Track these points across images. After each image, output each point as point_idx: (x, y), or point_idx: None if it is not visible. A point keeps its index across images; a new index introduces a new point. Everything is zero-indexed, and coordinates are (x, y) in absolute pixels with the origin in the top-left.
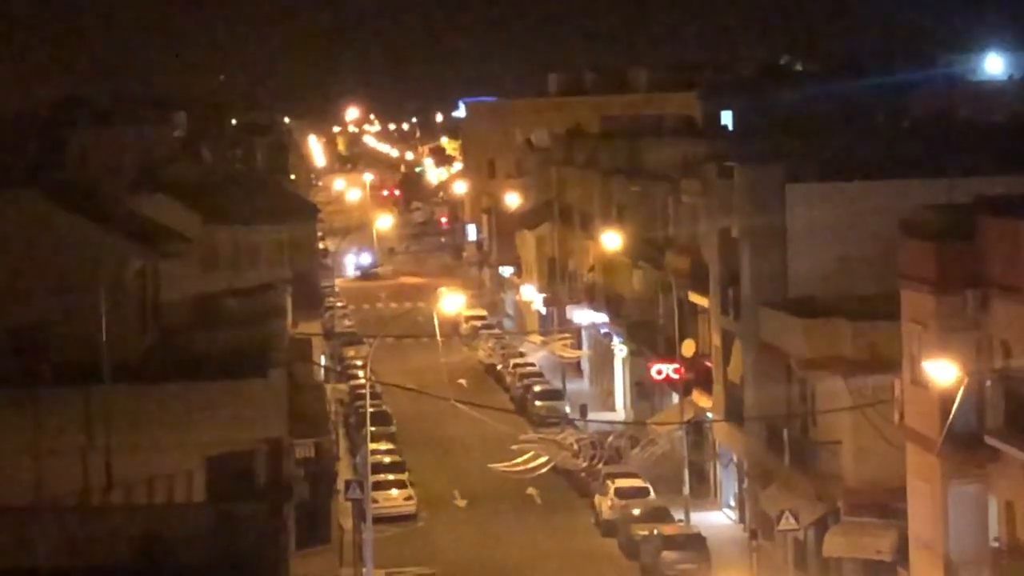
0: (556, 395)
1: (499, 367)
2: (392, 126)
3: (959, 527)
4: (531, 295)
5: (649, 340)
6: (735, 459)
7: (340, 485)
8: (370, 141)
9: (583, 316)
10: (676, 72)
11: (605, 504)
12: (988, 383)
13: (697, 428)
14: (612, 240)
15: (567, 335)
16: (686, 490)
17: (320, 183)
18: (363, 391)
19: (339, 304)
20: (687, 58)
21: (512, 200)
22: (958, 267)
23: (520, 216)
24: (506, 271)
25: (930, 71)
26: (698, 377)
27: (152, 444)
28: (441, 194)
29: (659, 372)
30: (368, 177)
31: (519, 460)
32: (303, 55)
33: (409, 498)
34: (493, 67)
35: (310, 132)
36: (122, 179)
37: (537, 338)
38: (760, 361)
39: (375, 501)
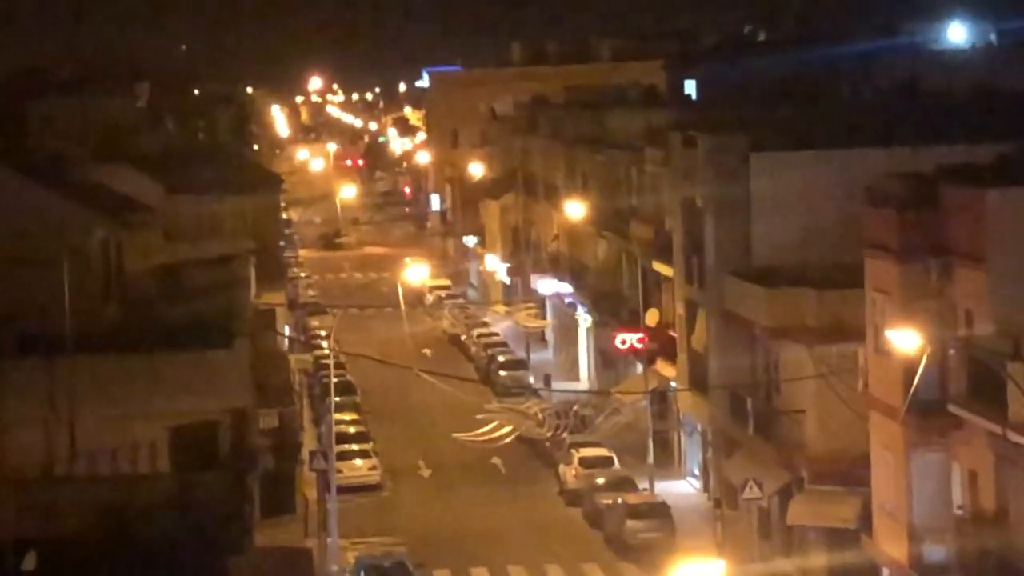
0: (520, 365)
1: (463, 337)
2: (355, 96)
3: (922, 495)
4: (495, 265)
5: (613, 310)
6: (699, 428)
7: (304, 455)
8: (333, 111)
9: (547, 286)
10: (640, 42)
11: (569, 473)
12: (951, 351)
13: (661, 397)
14: (576, 210)
15: (531, 305)
16: (650, 459)
17: (283, 153)
18: (327, 361)
19: (303, 274)
20: (651, 28)
21: (476, 170)
22: (921, 236)
23: (484, 186)
24: (470, 241)
25: (893, 40)
26: (662, 346)
27: (116, 415)
28: (405, 164)
29: (623, 342)
30: (331, 147)
31: (484, 430)
32: (266, 25)
33: (373, 468)
34: (456, 37)
35: (273, 102)
36: (85, 150)
37: (501, 308)
38: (724, 330)
39: (339, 471)
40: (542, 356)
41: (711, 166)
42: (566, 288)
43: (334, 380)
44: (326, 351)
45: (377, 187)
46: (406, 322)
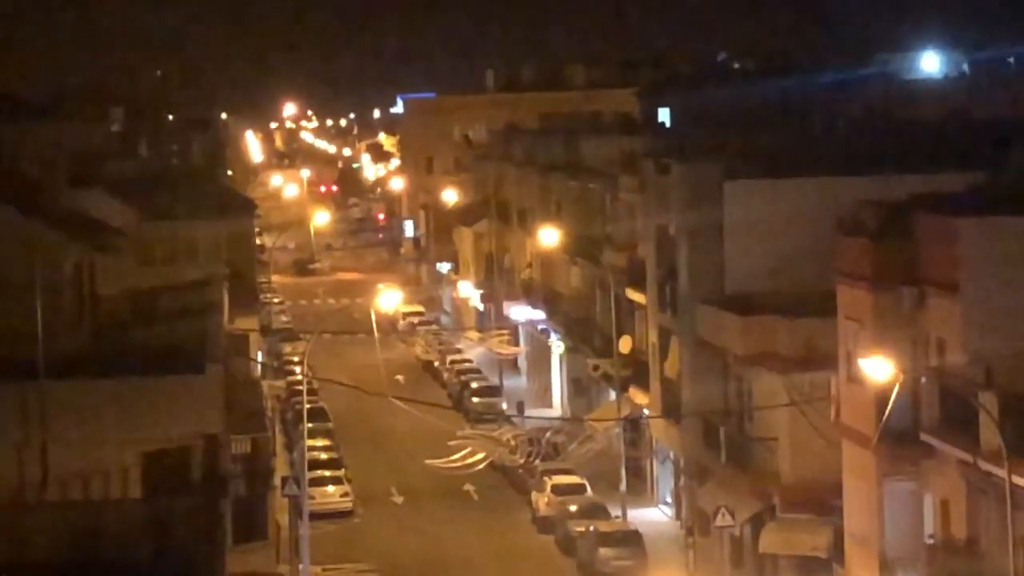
0: (493, 391)
1: (436, 363)
2: (330, 122)
3: (894, 524)
4: (468, 291)
5: (586, 337)
6: (672, 456)
7: (277, 481)
8: (307, 137)
9: (520, 313)
10: (614, 69)
11: (542, 500)
12: (923, 380)
13: (634, 425)
14: (550, 236)
15: (504, 332)
16: (623, 487)
17: (257, 179)
18: (300, 387)
19: (276, 300)
20: (625, 55)
21: (450, 196)
22: (894, 264)
23: (458, 212)
24: (444, 267)
25: (866, 69)
26: (635, 374)
27: (88, 440)
28: (379, 190)
29: (595, 367)
30: (305, 173)
31: (456, 456)
32: (240, 51)
33: (346, 494)
34: (431, 63)
35: (247, 128)
36: (58, 174)
37: (474, 334)
38: (697, 358)
39: (312, 497)
40: (515, 383)
41: (685, 193)
42: (539, 315)
43: (307, 406)
44: (299, 377)
45: (351, 213)
46: (379, 348)
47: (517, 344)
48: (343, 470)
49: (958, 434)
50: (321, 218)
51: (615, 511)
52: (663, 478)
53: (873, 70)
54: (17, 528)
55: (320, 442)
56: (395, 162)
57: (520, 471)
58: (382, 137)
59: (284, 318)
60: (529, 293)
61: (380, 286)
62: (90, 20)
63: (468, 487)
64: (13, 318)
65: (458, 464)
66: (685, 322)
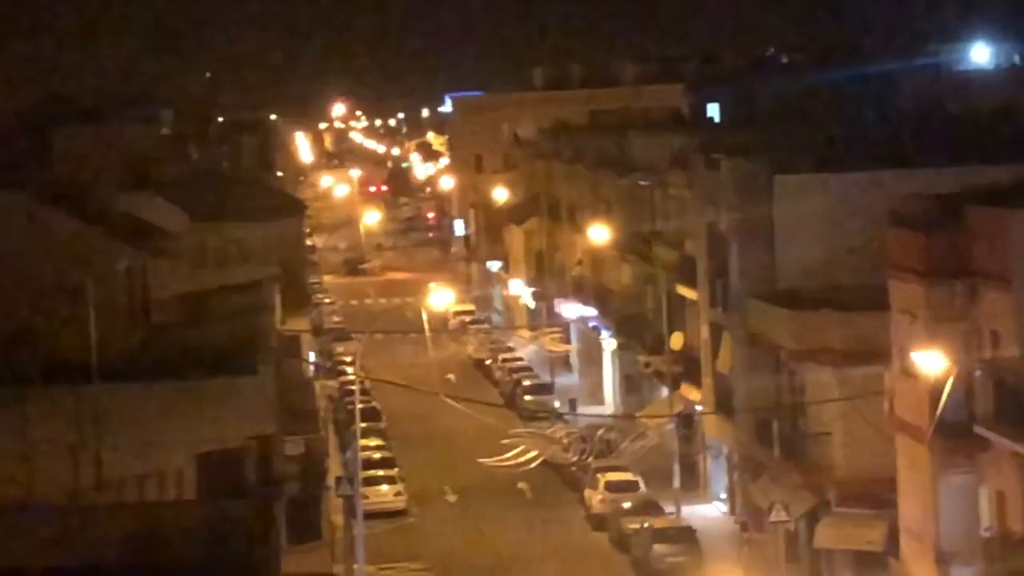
0: (545, 389)
1: (488, 362)
2: (379, 122)
3: (950, 517)
4: (519, 289)
5: (638, 333)
6: (725, 451)
7: (330, 482)
8: (357, 137)
9: (571, 310)
10: (662, 65)
11: (595, 498)
12: (977, 373)
13: (687, 421)
14: (600, 234)
15: (556, 329)
16: (676, 483)
17: (307, 180)
18: (352, 387)
19: (327, 300)
20: (674, 51)
21: (499, 195)
22: (946, 257)
23: (508, 211)
24: (494, 266)
25: (917, 61)
26: (686, 370)
27: (142, 442)
28: (428, 189)
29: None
30: (355, 173)
31: (509, 454)
32: (289, 52)
33: (399, 494)
34: (479, 62)
35: (297, 129)
36: (109, 178)
37: (526, 332)
38: (749, 353)
39: (365, 497)
40: (567, 380)
41: (735, 189)
42: (590, 312)
43: (359, 406)
44: (351, 377)
45: (401, 213)
46: (431, 347)
47: (568, 342)
48: (396, 469)
49: (1013, 426)
50: (371, 218)
51: (669, 507)
52: (716, 474)
53: (923, 62)
54: (72, 531)
55: (373, 442)
56: (444, 161)
57: (573, 468)
58: (431, 136)
59: (336, 318)
60: (580, 290)
61: (431, 285)
62: (140, 24)
63: (521, 485)
64: (67, 322)
65: (511, 462)
66: (736, 317)
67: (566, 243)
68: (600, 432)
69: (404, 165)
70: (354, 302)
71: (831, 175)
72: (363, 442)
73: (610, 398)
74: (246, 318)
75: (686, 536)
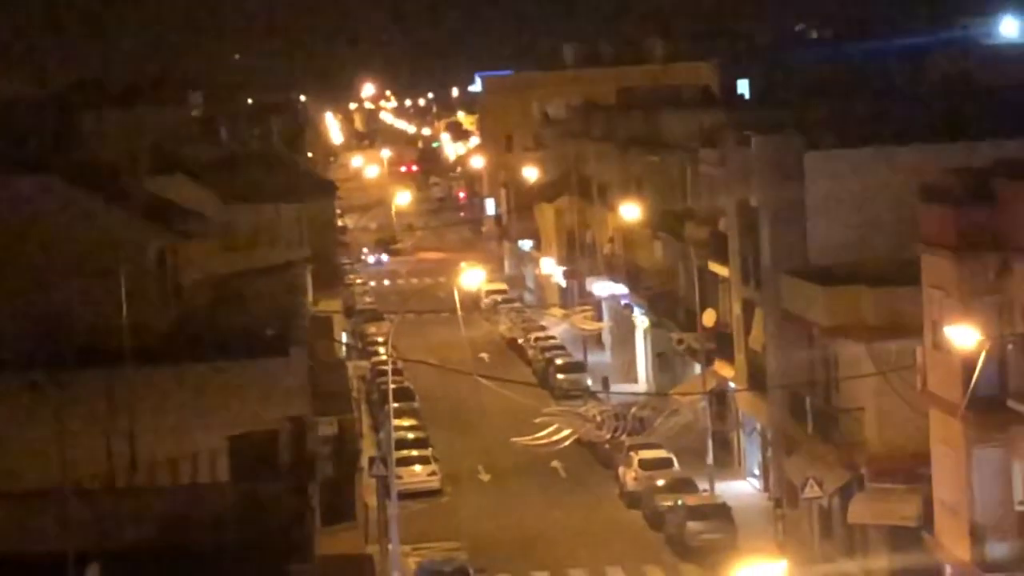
0: (578, 367)
1: (520, 341)
2: (408, 102)
3: (984, 491)
4: (551, 268)
5: (670, 311)
6: (758, 428)
7: (364, 462)
8: (387, 117)
9: (603, 288)
10: (692, 42)
11: (629, 475)
12: (1010, 347)
13: (720, 398)
14: (631, 212)
15: (588, 307)
16: (710, 460)
17: (338, 160)
18: (385, 367)
19: (359, 281)
20: (703, 28)
21: (530, 173)
22: (978, 231)
23: (538, 189)
24: (526, 245)
25: (946, 35)
26: (719, 347)
27: (175, 425)
28: (459, 169)
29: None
30: (385, 153)
31: (542, 433)
32: (319, 32)
33: (433, 473)
34: (509, 40)
35: (326, 109)
36: (140, 160)
37: (558, 311)
38: (781, 329)
39: (399, 477)
40: (599, 359)
41: (766, 165)
42: (622, 290)
43: (392, 386)
44: (384, 357)
45: (432, 192)
46: (463, 327)
47: (600, 320)
48: (430, 449)
49: None
50: (402, 198)
51: (703, 484)
52: (750, 450)
53: (952, 35)
54: (107, 514)
55: (406, 422)
56: (474, 140)
57: (607, 447)
58: (461, 116)
59: (367, 299)
60: (611, 268)
61: (462, 265)
62: (168, 5)
63: (555, 464)
64: (99, 306)
65: (544, 441)
66: (769, 294)
67: (597, 221)
68: (633, 410)
69: (434, 145)
70: (386, 282)
71: (862, 150)
72: (396, 422)
73: (643, 376)
74: (278, 300)
75: (720, 513)
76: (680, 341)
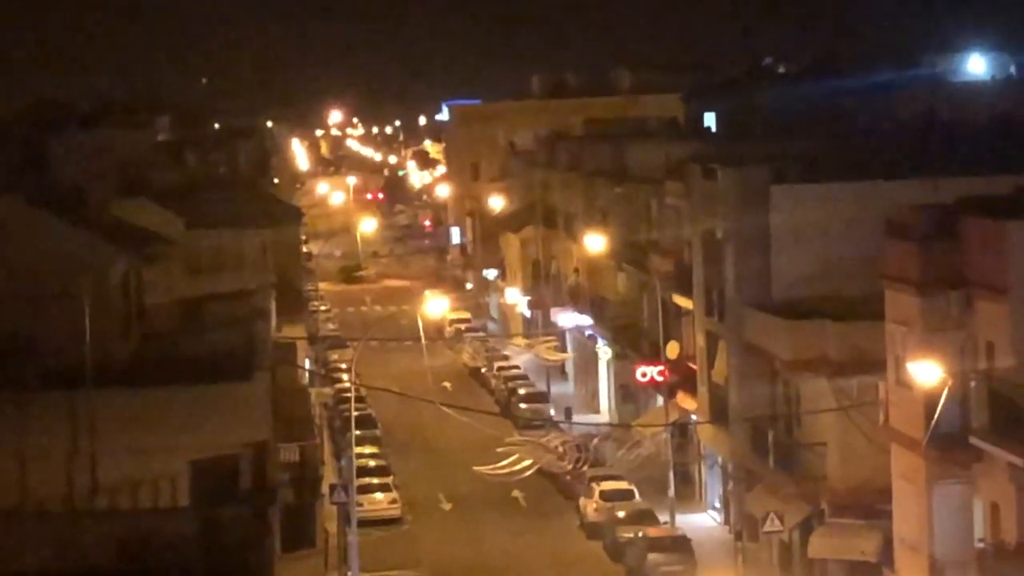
0: (541, 398)
1: (484, 370)
2: (375, 129)
3: (944, 528)
4: (515, 298)
5: (633, 342)
6: (720, 461)
7: (325, 489)
8: (353, 144)
9: (567, 319)
10: (659, 74)
11: (590, 506)
12: (972, 384)
13: (682, 430)
14: (596, 242)
15: (551, 338)
16: (671, 492)
17: (304, 187)
18: (348, 394)
19: (323, 307)
20: (670, 60)
21: (496, 203)
22: (942, 268)
23: (504, 219)
24: (490, 274)
25: (912, 72)
26: (682, 379)
27: (137, 448)
28: (425, 197)
29: (643, 374)
30: (352, 180)
31: (504, 463)
32: (287, 59)
33: (394, 501)
34: (476, 69)
35: (293, 135)
36: (105, 183)
37: (521, 341)
38: (744, 362)
39: (360, 505)
40: (562, 389)
41: (731, 198)
42: (586, 321)
43: (355, 413)
44: (347, 384)
45: (397, 220)
46: (426, 355)
47: (564, 350)
48: (391, 477)
49: (1008, 437)
50: (367, 225)
51: (664, 517)
52: (711, 483)
53: (919, 72)
54: (66, 537)
55: (368, 449)
56: (441, 169)
57: (568, 477)
58: (428, 144)
59: (331, 325)
60: (576, 299)
61: (427, 293)
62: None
63: (516, 493)
64: (61, 327)
65: (506, 470)
66: (732, 327)
67: (562, 252)
68: (595, 441)
69: (401, 173)
70: (350, 309)
71: (827, 184)
72: (358, 449)
73: (606, 407)
74: (241, 325)
75: (680, 545)
76: (643, 373)
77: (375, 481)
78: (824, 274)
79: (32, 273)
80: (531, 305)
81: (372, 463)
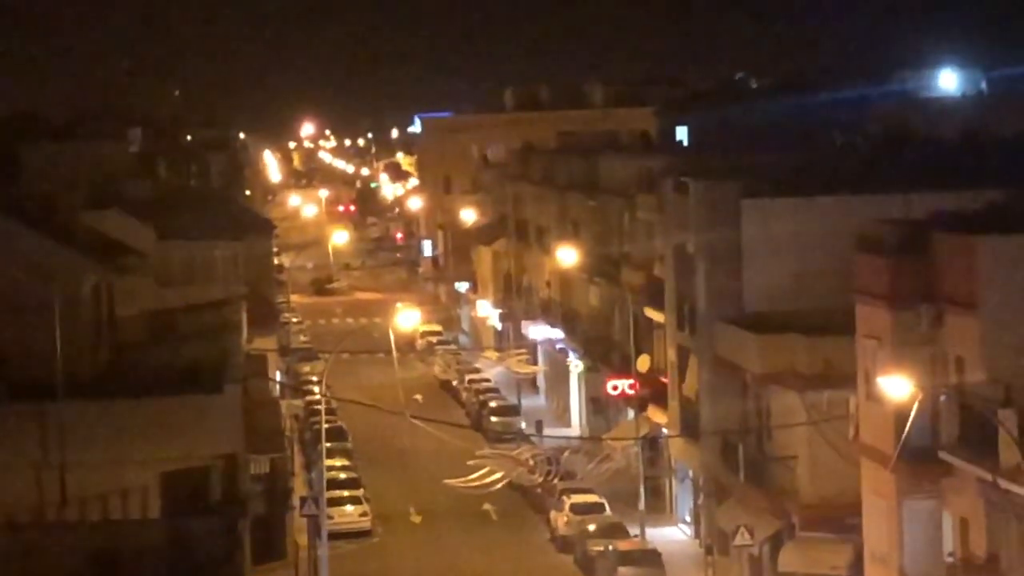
0: (512, 411)
1: (455, 383)
2: (348, 142)
3: (914, 542)
4: (487, 311)
5: (605, 356)
6: (691, 474)
7: (295, 501)
8: (325, 157)
9: (539, 332)
10: (632, 88)
11: (561, 520)
12: (942, 398)
13: (652, 443)
14: (568, 256)
15: (523, 351)
16: (642, 505)
17: (276, 199)
18: (318, 407)
19: (294, 320)
20: (643, 74)
21: (468, 216)
22: (912, 282)
23: (476, 232)
24: (462, 287)
25: (884, 87)
26: (653, 393)
27: (107, 460)
28: (397, 210)
29: (615, 388)
30: (324, 193)
31: (475, 476)
32: (259, 71)
33: (364, 514)
34: (449, 82)
35: (265, 148)
36: (77, 195)
37: (493, 354)
38: (715, 376)
39: (330, 517)
40: (533, 402)
41: (703, 212)
42: (558, 334)
43: (325, 426)
44: (317, 396)
45: (369, 233)
46: (397, 368)
47: (535, 363)
48: (361, 490)
49: (977, 452)
50: (339, 238)
51: (634, 530)
52: (682, 497)
53: (891, 88)
54: (37, 548)
55: (338, 462)
56: (413, 181)
57: (539, 490)
58: (400, 156)
59: (303, 338)
60: (547, 312)
61: (398, 305)
62: (109, 41)
63: (487, 506)
64: (32, 339)
65: (476, 483)
66: (703, 341)
67: (534, 265)
68: (566, 454)
69: (373, 185)
70: (321, 321)
71: (799, 199)
72: (329, 462)
73: (576, 420)
74: (212, 337)
75: (651, 559)
76: (615, 387)
77: (345, 493)
78: (795, 288)
79: (2, 284)
80: (503, 318)
81: (342, 475)
